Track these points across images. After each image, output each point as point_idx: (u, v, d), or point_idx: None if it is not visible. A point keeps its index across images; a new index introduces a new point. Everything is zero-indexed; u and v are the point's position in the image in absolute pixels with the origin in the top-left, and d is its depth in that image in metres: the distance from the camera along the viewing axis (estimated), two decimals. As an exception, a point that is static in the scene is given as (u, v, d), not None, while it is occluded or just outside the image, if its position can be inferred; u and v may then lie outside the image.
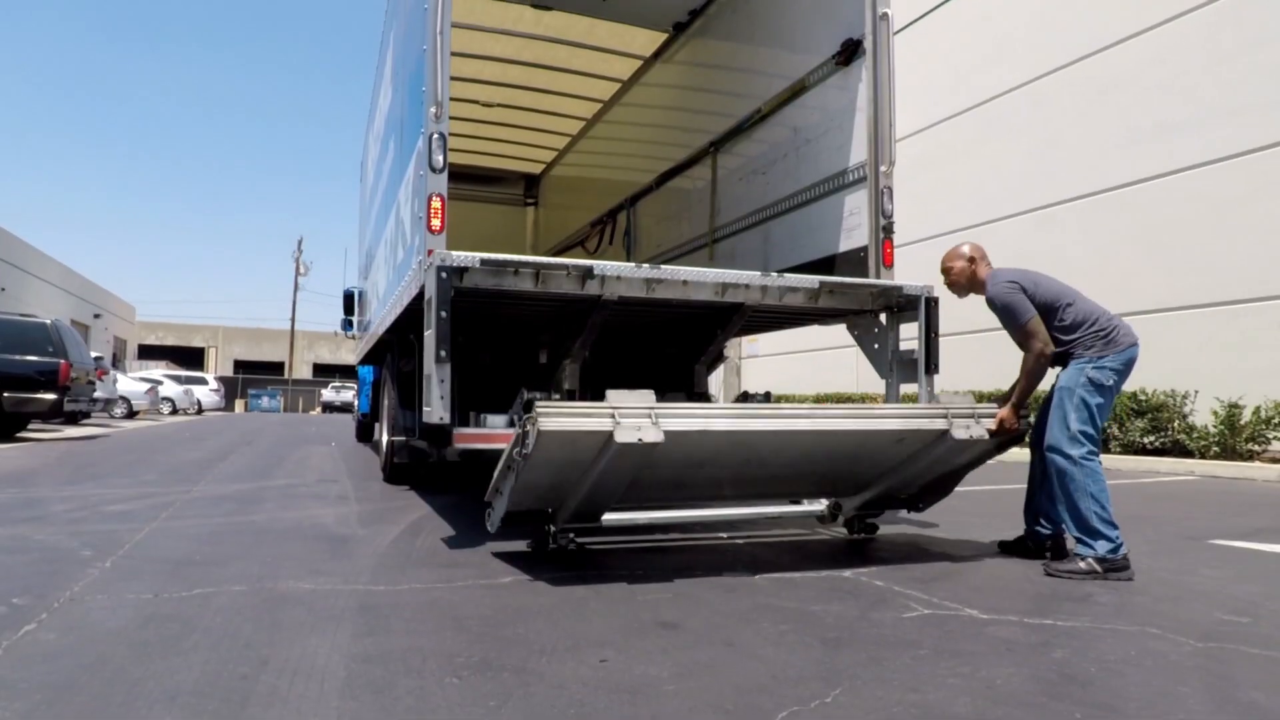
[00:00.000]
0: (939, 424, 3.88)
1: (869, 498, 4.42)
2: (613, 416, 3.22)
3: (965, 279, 4.20)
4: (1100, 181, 12.48)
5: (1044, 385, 4.06)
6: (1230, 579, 3.66)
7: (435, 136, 4.33)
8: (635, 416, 3.26)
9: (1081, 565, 3.63)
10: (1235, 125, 10.66)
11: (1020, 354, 3.97)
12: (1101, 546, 3.62)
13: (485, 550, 4.05)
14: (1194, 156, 11.15)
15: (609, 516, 4.11)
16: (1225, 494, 7.56)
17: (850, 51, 5.56)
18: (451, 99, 4.58)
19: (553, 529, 3.94)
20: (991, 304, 4.01)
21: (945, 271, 4.26)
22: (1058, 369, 4.01)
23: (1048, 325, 3.89)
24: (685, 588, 3.34)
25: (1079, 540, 3.72)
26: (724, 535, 4.67)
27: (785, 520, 5.00)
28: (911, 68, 14.82)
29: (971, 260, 4.18)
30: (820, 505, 4.68)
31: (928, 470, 4.23)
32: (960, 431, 3.85)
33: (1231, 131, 10.70)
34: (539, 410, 3.17)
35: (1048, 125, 13.41)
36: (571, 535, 3.99)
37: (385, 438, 7.49)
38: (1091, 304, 3.97)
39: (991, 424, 3.93)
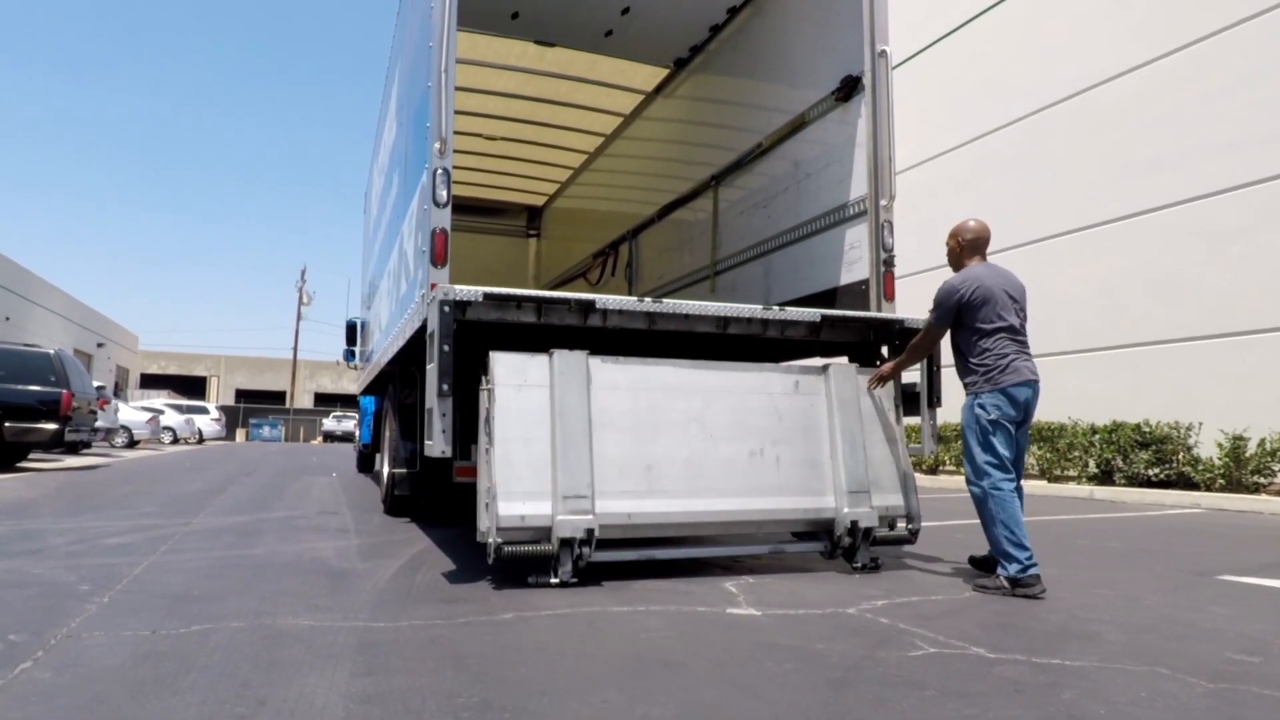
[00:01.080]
0: (818, 363, 4.84)
1: (847, 489, 4.60)
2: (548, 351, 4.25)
3: (951, 259, 4.60)
4: (1098, 214, 12.56)
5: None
6: (1240, 617, 3.62)
7: (439, 172, 4.37)
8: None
9: (997, 582, 4.07)
10: (1231, 159, 10.75)
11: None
12: (1012, 567, 4.02)
13: (486, 585, 4.02)
14: (1191, 190, 11.24)
15: (607, 555, 4.11)
16: (1232, 528, 7.50)
17: (850, 88, 5.63)
18: (455, 132, 4.63)
19: (553, 561, 3.97)
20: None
21: (946, 242, 4.62)
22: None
23: (965, 339, 4.32)
24: (687, 625, 3.30)
25: (997, 560, 4.14)
26: (726, 573, 4.63)
27: (788, 556, 4.96)
28: (909, 102, 14.99)
29: (961, 248, 4.52)
30: (822, 545, 4.67)
31: (860, 444, 4.70)
32: (835, 368, 4.84)
33: (1227, 165, 10.79)
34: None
35: (1045, 159, 13.53)
36: (570, 571, 3.99)
37: (386, 469, 7.47)
38: (1004, 342, 4.22)
39: (872, 374, 4.87)
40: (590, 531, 4.01)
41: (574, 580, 4.01)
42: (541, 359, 4.22)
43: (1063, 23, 13.43)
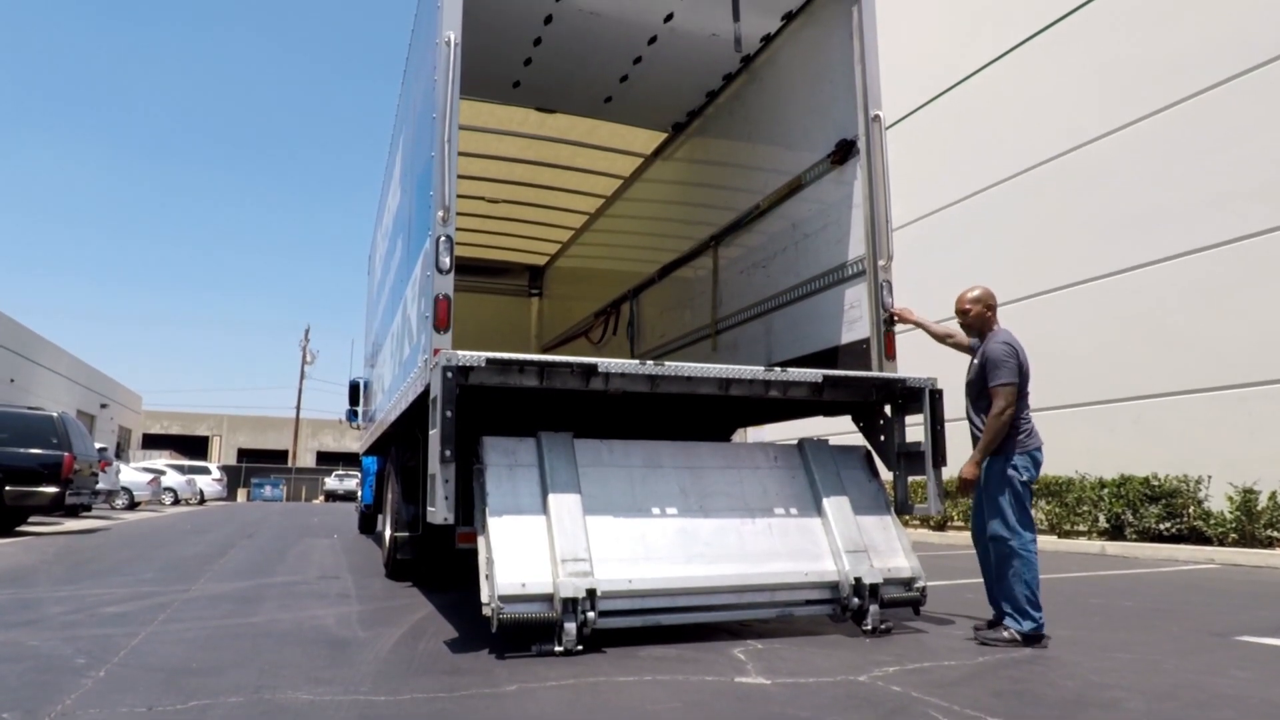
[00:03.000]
0: (793, 440, 5.21)
1: (844, 549, 4.62)
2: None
3: (979, 323, 4.61)
4: (1094, 269, 12.64)
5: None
6: (1261, 681, 3.54)
7: (442, 239, 4.43)
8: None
9: (1005, 634, 4.21)
10: (1222, 214, 10.88)
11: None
12: (1027, 625, 4.19)
13: (489, 655, 3.94)
14: (1185, 244, 11.33)
15: (611, 622, 4.04)
16: (1248, 584, 7.37)
17: (845, 151, 5.73)
18: (458, 196, 4.71)
19: (557, 628, 3.90)
20: (988, 354, 4.41)
21: (963, 313, 4.66)
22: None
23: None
24: (696, 695, 3.23)
25: (1008, 614, 4.25)
26: (734, 638, 4.54)
27: (797, 621, 4.88)
28: (905, 159, 15.24)
29: (989, 308, 4.62)
30: (831, 606, 4.58)
31: (848, 509, 4.82)
32: (809, 443, 5.15)
33: (1219, 220, 10.91)
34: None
35: (1039, 215, 13.68)
36: (574, 637, 3.92)
37: (388, 532, 7.40)
38: (1026, 408, 4.42)
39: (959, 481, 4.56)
40: (591, 592, 3.97)
41: (579, 648, 3.93)
42: (530, 441, 4.52)
43: (1051, 83, 13.72)
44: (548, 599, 3.95)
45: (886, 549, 4.78)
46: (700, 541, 4.47)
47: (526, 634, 4.01)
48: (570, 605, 3.93)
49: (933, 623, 4.98)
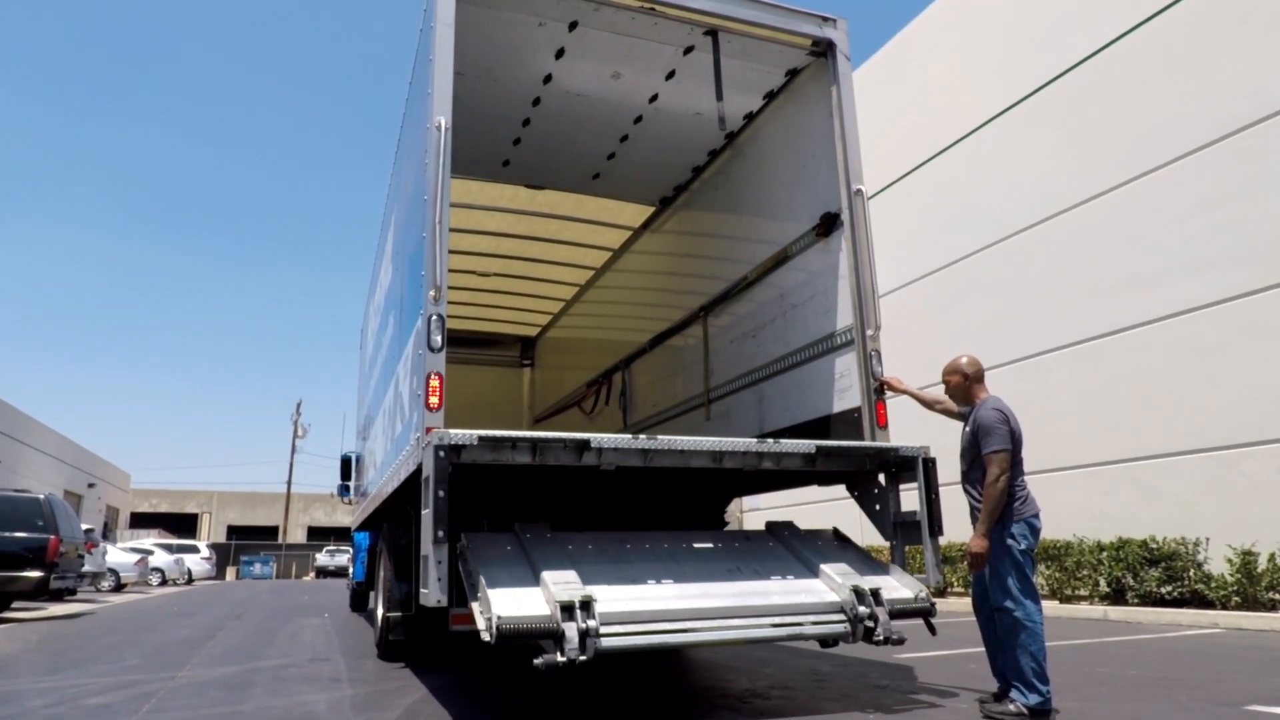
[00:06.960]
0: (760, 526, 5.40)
1: (837, 574, 4.60)
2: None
3: (962, 394, 4.66)
4: (1082, 331, 12.78)
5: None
6: (1270, 752, 3.46)
7: (434, 318, 4.47)
8: None
9: (1011, 708, 4.11)
10: (1205, 277, 11.06)
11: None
12: (1033, 698, 4.08)
13: (482, 742, 3.84)
14: (1170, 306, 11.46)
15: (616, 642, 3.85)
16: (1254, 650, 7.25)
17: (829, 223, 5.86)
18: (449, 270, 4.76)
19: (559, 638, 3.72)
20: (979, 421, 4.40)
21: (945, 383, 4.71)
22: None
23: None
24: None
25: (1014, 686, 4.17)
26: (735, 715, 4.43)
27: (800, 696, 4.77)
28: (891, 225, 15.54)
29: (967, 378, 4.64)
30: (840, 624, 4.43)
31: (833, 553, 4.91)
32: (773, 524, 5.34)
33: (1202, 283, 11.08)
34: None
35: (1026, 279, 13.89)
36: (577, 646, 3.69)
37: (380, 611, 7.26)
38: (1021, 475, 4.41)
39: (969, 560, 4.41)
40: (589, 600, 3.82)
41: (583, 658, 3.67)
42: (509, 533, 4.64)
43: (1032, 150, 14.10)
44: (546, 618, 3.78)
45: (886, 583, 4.72)
46: (691, 586, 4.43)
47: (524, 646, 3.77)
48: (569, 610, 3.78)
49: (936, 694, 4.88)
